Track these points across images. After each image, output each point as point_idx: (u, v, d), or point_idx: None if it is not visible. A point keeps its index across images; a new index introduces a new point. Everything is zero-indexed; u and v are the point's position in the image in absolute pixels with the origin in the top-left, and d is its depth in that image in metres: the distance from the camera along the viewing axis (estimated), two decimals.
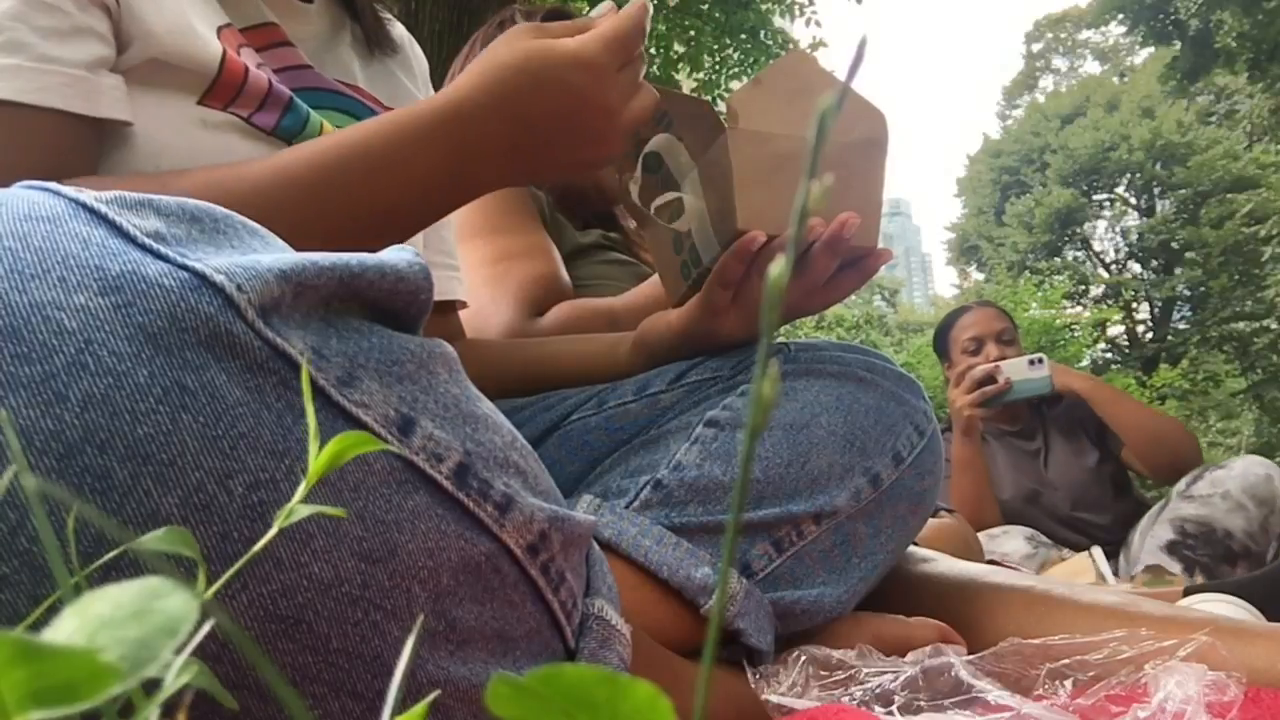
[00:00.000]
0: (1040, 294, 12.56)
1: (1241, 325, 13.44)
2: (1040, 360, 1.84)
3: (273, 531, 0.24)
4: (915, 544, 0.87)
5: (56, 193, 0.35)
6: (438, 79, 0.93)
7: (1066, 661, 0.59)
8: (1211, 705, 0.49)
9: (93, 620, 0.14)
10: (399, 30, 0.84)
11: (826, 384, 0.69)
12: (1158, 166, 14.82)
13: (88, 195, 0.35)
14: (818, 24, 6.82)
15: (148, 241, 0.34)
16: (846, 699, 0.56)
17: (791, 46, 6.59)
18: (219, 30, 0.63)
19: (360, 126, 0.57)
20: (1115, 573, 1.63)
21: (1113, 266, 16.05)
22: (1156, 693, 0.51)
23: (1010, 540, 1.70)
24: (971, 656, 0.61)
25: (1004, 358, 1.90)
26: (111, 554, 0.30)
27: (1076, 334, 12.73)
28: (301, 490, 0.23)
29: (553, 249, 1.06)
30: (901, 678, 0.57)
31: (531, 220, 1.07)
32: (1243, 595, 0.86)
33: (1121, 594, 0.77)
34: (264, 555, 0.33)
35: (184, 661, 0.15)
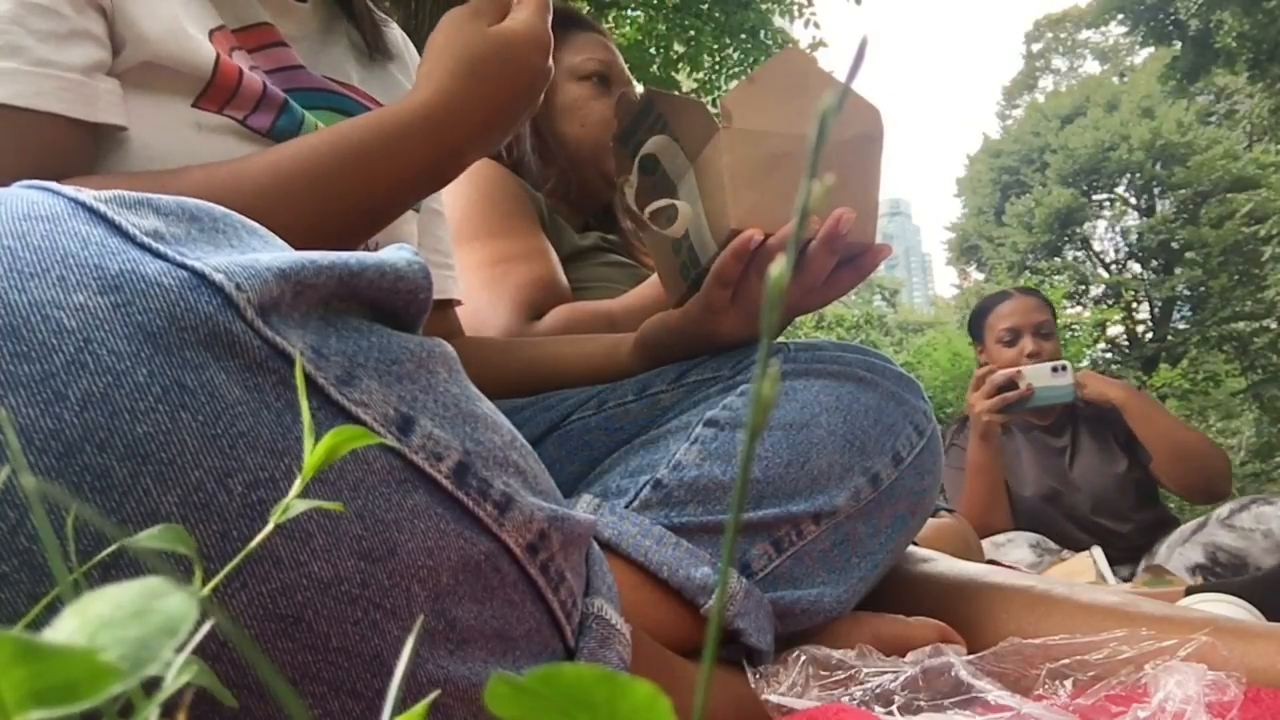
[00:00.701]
0: None
1: (1241, 325, 13.42)
2: (1064, 367, 1.80)
3: (269, 527, 0.23)
4: (915, 544, 0.87)
5: (55, 192, 0.35)
6: None
7: (1066, 661, 0.59)
8: (1211, 705, 0.49)
9: (93, 620, 0.14)
10: (395, 33, 0.84)
11: (826, 384, 0.69)
12: (1158, 166, 14.80)
13: (87, 194, 0.35)
14: (816, 25, 6.82)
15: (147, 240, 0.34)
16: (846, 699, 0.56)
17: (791, 46, 6.59)
18: (211, 33, 0.63)
19: (351, 124, 0.59)
20: (1129, 579, 1.61)
21: (1113, 266, 16.03)
22: (1156, 693, 0.51)
23: (1015, 549, 1.68)
24: (971, 656, 0.61)
25: (1040, 353, 1.87)
26: (106, 551, 0.30)
27: (1077, 334, 12.72)
28: (297, 485, 0.23)
29: (551, 252, 1.06)
30: (901, 678, 0.57)
31: (530, 223, 1.07)
32: (1243, 595, 0.86)
33: (1121, 594, 0.77)
34: (263, 554, 0.33)
35: (184, 661, 0.15)
